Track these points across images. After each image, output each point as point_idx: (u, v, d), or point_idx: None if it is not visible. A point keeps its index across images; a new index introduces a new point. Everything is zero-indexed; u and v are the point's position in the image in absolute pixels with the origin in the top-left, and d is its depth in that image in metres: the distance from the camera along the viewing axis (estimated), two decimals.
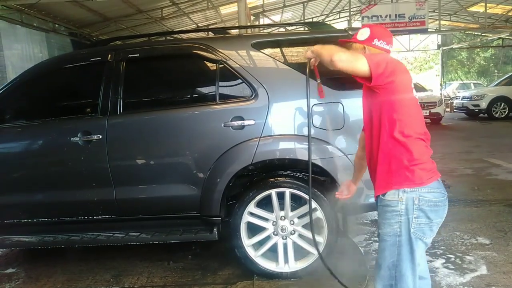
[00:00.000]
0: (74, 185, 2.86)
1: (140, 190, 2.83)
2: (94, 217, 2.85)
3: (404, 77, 1.70)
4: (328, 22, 19.42)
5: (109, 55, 2.88)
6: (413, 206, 1.59)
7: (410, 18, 14.34)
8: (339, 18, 20.47)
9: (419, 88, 13.88)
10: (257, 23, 15.45)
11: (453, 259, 3.03)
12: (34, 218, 2.92)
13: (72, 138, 2.74)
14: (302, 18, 17.28)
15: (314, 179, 2.85)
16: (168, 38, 3.74)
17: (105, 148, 2.76)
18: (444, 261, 3.01)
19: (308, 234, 2.78)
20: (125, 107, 2.82)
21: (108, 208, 2.86)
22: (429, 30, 15.37)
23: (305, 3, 16.39)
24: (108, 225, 2.95)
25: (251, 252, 2.80)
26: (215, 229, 2.79)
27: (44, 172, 2.89)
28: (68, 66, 3.06)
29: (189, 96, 3.15)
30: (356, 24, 19.02)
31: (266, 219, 2.80)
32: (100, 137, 2.75)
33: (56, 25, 11.10)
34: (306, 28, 3.42)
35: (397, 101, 1.66)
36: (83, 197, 2.81)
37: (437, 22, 17.49)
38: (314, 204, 2.71)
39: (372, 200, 2.75)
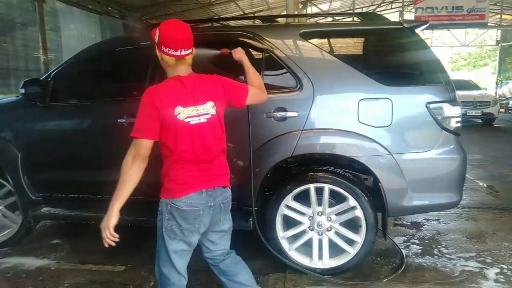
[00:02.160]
0: (119, 165, 2.95)
1: None
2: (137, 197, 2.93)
3: (169, 110, 1.80)
4: (378, 13, 18.68)
5: None
6: (166, 211, 1.86)
7: (469, 10, 13.51)
8: (391, 8, 19.62)
9: (472, 86, 13.07)
10: (304, 11, 15.16)
11: (500, 271, 2.85)
12: (80, 194, 3.07)
13: (119, 120, 2.82)
14: (352, 8, 16.74)
15: (356, 176, 2.77)
16: (215, 24, 3.72)
17: None
18: (491, 272, 2.84)
19: (346, 232, 2.72)
20: None
21: (149, 190, 2.93)
22: (488, 24, 14.36)
23: None
24: (148, 207, 3.03)
25: (285, 245, 2.78)
26: (250, 219, 2.79)
27: (92, 151, 3.01)
28: (120, 49, 3.14)
29: None
30: (408, 15, 18.15)
31: (302, 213, 2.76)
32: None
33: (109, 8, 11.50)
34: (357, 19, 3.29)
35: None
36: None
37: (498, 16, 16.30)
38: (353, 202, 2.64)
39: (417, 202, 2.64)
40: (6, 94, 7.90)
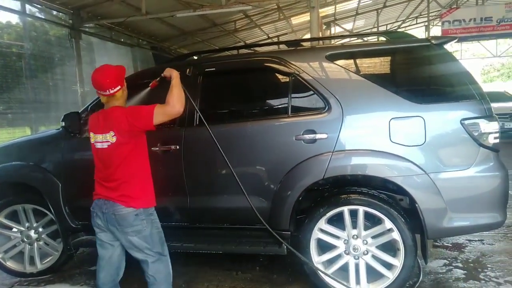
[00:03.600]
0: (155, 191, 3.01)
1: (212, 200, 2.90)
2: (170, 223, 2.98)
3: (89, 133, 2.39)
4: (403, 29, 18.55)
5: (188, 70, 3.01)
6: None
7: (498, 21, 13.16)
8: (416, 24, 19.43)
9: (508, 98, 12.53)
10: (328, 32, 15.27)
11: None
12: None
13: (152, 148, 2.89)
14: (376, 26, 16.71)
15: (390, 197, 2.70)
16: (242, 51, 3.80)
17: (181, 158, 2.89)
18: None
19: (383, 255, 2.63)
20: (201, 119, 2.92)
21: (182, 215, 2.98)
22: None
23: (379, 10, 15.83)
24: (181, 232, 3.07)
25: (320, 269, 2.72)
26: (283, 244, 2.76)
27: None
28: (146, 81, 3.26)
29: (261, 108, 3.17)
30: (435, 30, 17.89)
31: (337, 237, 2.70)
32: (178, 147, 2.89)
33: (140, 40, 12.06)
34: (383, 38, 3.28)
35: None
36: (161, 203, 2.96)
37: None
38: (390, 225, 2.56)
39: (457, 223, 2.53)
40: (48, 126, 8.34)
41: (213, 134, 2.83)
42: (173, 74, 2.39)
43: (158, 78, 2.53)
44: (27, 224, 3.41)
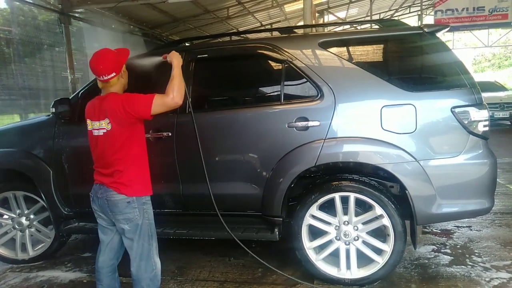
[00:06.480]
0: None
1: (204, 187, 2.90)
2: (162, 210, 2.99)
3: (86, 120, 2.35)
4: (396, 18, 18.51)
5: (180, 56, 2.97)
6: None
7: (491, 11, 13.19)
8: (409, 13, 19.41)
9: (498, 87, 12.67)
10: (321, 20, 15.18)
11: None
12: None
13: (146, 135, 2.88)
14: (369, 14, 16.65)
15: (381, 184, 2.74)
16: (235, 38, 3.78)
17: (173, 145, 2.88)
18: None
19: (373, 241, 2.68)
20: (193, 106, 2.91)
21: (175, 202, 2.99)
22: None
23: None
24: (174, 219, 3.08)
25: (312, 255, 2.77)
26: (276, 229, 2.79)
27: None
28: (142, 65, 3.22)
29: (254, 96, 3.17)
30: (428, 19, 17.89)
31: (328, 223, 2.74)
32: (170, 134, 2.88)
33: (131, 26, 11.86)
34: (376, 26, 3.28)
35: None
36: (153, 191, 2.96)
37: None
38: (380, 211, 2.60)
39: (446, 209, 2.58)
40: (37, 113, 8.23)
41: (205, 121, 2.83)
42: (175, 62, 2.34)
43: (167, 55, 2.45)
44: (18, 211, 3.39)
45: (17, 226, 3.39)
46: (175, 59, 2.38)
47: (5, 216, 3.42)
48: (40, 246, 3.46)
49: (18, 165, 3.28)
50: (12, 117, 8.20)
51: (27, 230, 3.41)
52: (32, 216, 3.40)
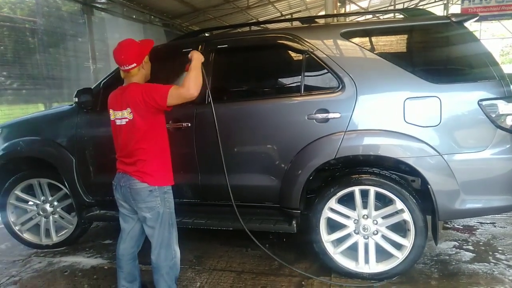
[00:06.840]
0: None
1: (222, 177, 2.91)
2: (181, 200, 3.01)
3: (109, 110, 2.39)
4: (421, 7, 17.97)
5: (200, 46, 2.98)
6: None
7: None
8: (434, 2, 18.79)
9: None
10: (343, 10, 14.88)
11: None
12: None
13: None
14: (392, 3, 16.22)
15: (402, 178, 2.68)
16: (255, 28, 3.74)
17: (193, 136, 2.89)
18: None
19: (393, 236, 2.64)
20: (212, 97, 2.90)
21: (194, 192, 3.01)
22: None
23: None
24: (192, 209, 3.11)
25: (329, 248, 2.75)
26: (293, 222, 2.78)
27: None
28: (162, 56, 3.24)
29: (273, 87, 3.13)
30: (454, 8, 17.30)
31: (347, 217, 2.71)
32: (189, 125, 2.89)
33: (152, 17, 11.94)
34: (400, 16, 3.18)
35: None
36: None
37: None
38: (401, 205, 2.55)
39: (470, 205, 2.51)
40: (60, 102, 8.42)
41: (225, 112, 2.82)
42: (194, 56, 2.37)
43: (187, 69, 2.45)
44: (42, 198, 3.49)
45: (41, 212, 3.50)
46: (196, 54, 2.40)
47: (30, 202, 3.53)
48: (63, 232, 3.56)
49: (42, 153, 3.36)
50: (36, 106, 8.42)
51: (51, 217, 3.51)
52: (55, 203, 3.50)
